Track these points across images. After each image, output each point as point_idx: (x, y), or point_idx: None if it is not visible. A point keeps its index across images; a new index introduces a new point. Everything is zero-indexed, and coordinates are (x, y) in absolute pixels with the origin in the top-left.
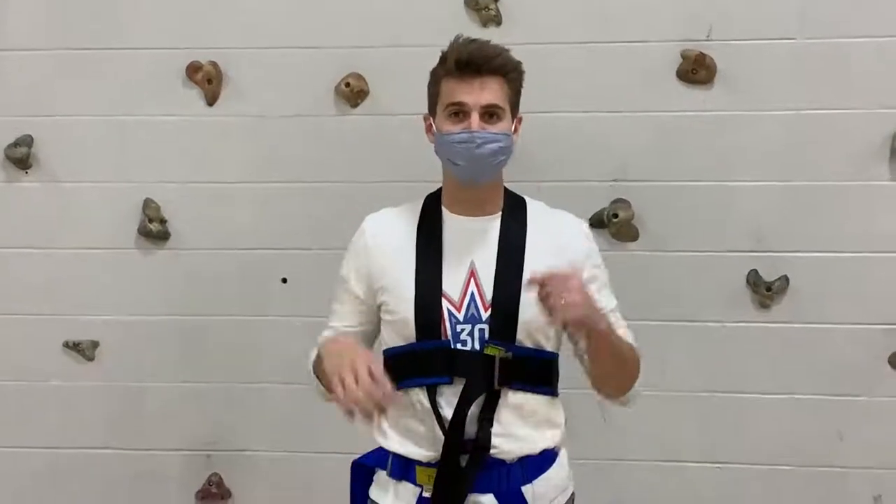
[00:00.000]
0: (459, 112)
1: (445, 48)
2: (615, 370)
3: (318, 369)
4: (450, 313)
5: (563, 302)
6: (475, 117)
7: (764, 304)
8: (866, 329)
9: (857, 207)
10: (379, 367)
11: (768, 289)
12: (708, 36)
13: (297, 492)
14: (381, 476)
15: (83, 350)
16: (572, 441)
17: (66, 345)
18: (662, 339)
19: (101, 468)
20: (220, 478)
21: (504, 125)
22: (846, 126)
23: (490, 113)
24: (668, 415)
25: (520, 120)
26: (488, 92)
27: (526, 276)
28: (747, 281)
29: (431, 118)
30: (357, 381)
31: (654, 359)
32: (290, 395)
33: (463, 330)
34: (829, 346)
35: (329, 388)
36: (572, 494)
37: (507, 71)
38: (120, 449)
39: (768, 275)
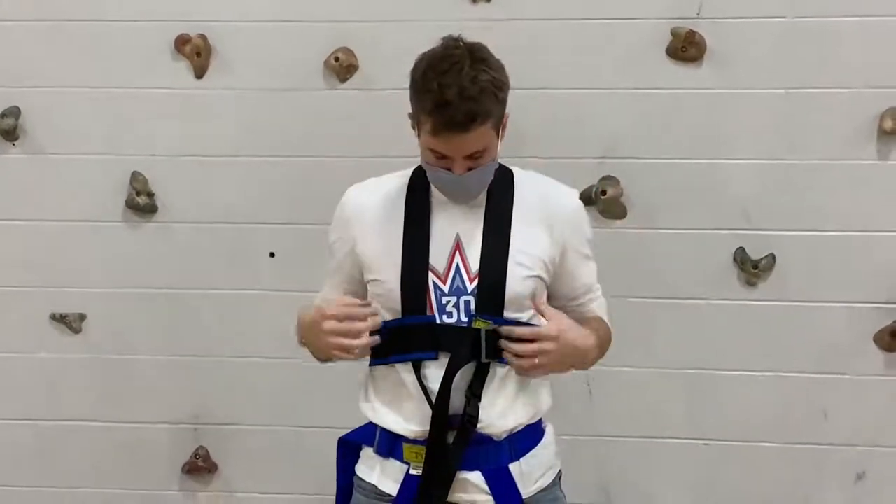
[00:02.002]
0: (442, 156)
1: (420, 70)
2: (593, 361)
3: (299, 332)
4: (435, 286)
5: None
6: (459, 163)
7: (751, 282)
8: (852, 307)
9: (843, 186)
10: (347, 300)
11: (755, 266)
12: (698, 13)
13: (283, 466)
14: (367, 453)
15: (70, 322)
16: (556, 417)
17: (53, 317)
18: (649, 316)
19: (87, 441)
20: (207, 451)
21: (490, 154)
22: (834, 105)
23: (475, 153)
24: (654, 391)
25: (507, 116)
26: (471, 143)
27: (513, 245)
28: (734, 259)
29: (416, 124)
30: (339, 329)
31: (641, 336)
32: (277, 368)
33: (448, 302)
34: (814, 324)
35: (314, 354)
36: (559, 472)
37: (491, 114)
38: (107, 422)
39: (755, 253)
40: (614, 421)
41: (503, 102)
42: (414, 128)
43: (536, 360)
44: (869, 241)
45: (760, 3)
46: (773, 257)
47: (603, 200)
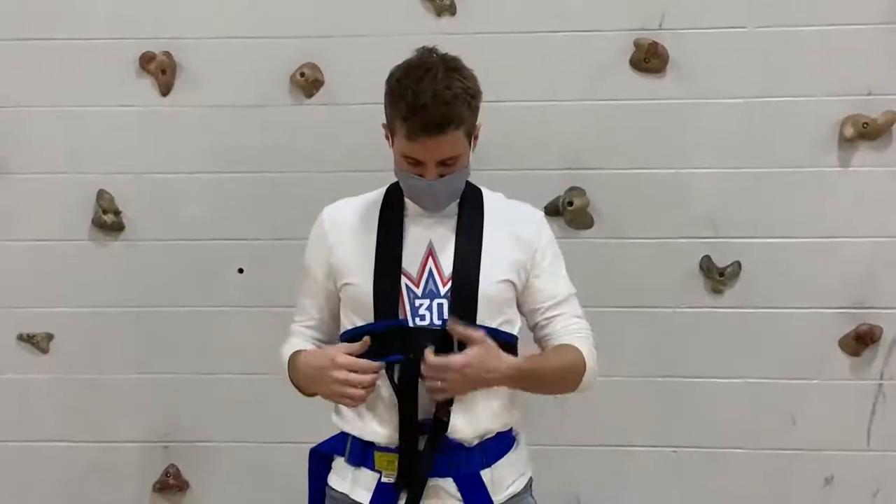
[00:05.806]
0: (415, 162)
1: (395, 78)
2: (551, 389)
3: (293, 376)
4: (408, 289)
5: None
6: (431, 169)
7: (717, 290)
8: (817, 313)
9: (807, 194)
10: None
11: (721, 274)
12: (660, 25)
13: (254, 482)
14: (339, 463)
15: (37, 342)
16: (527, 426)
17: (21, 337)
18: (617, 325)
19: (57, 461)
20: (178, 469)
21: (462, 162)
22: (796, 113)
23: (448, 160)
24: (623, 400)
25: (478, 127)
26: (444, 147)
27: (485, 250)
28: (700, 267)
29: (390, 133)
30: (349, 380)
31: (609, 345)
32: (246, 385)
33: (421, 305)
34: (780, 330)
35: (304, 391)
36: (530, 479)
37: (464, 120)
38: (76, 441)
39: (721, 260)
40: (585, 429)
41: (475, 111)
42: (387, 138)
43: (439, 384)
44: (832, 247)
45: (721, 14)
46: (738, 265)
47: (570, 211)
